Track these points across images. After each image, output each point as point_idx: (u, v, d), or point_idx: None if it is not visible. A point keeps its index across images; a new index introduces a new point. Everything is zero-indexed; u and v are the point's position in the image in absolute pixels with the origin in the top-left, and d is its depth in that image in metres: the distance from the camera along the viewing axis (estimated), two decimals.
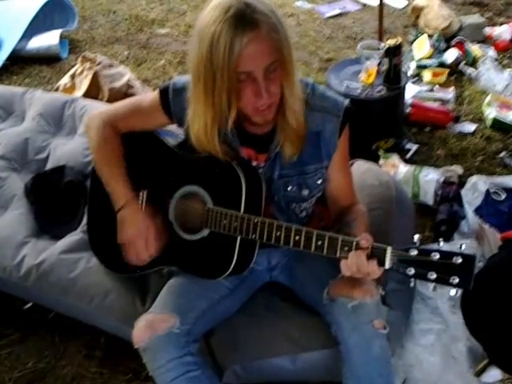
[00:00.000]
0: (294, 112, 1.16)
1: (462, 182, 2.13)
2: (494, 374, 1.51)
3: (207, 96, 1.12)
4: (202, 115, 1.16)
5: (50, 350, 1.66)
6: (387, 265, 1.07)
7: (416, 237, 1.08)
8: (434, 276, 1.02)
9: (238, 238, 1.23)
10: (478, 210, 1.97)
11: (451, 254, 1.01)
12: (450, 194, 2.06)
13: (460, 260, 1.00)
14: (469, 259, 1.00)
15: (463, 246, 1.04)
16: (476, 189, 2.05)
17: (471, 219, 1.93)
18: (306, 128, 1.21)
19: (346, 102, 1.25)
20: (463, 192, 2.05)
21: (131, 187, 1.32)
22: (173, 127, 1.39)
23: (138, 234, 1.28)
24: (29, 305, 1.71)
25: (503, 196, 2.03)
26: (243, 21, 1.03)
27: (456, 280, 1.01)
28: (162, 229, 1.32)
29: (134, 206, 1.31)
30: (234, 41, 1.03)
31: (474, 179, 2.09)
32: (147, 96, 1.37)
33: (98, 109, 1.45)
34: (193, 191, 1.29)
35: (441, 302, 1.67)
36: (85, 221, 1.67)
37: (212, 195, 1.26)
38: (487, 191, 2.03)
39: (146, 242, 1.28)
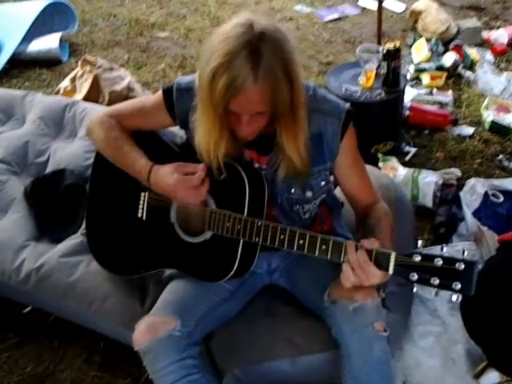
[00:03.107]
0: (296, 149, 1.18)
1: (460, 184, 2.14)
2: (493, 376, 1.51)
3: (205, 117, 1.15)
4: (205, 133, 1.18)
5: (49, 354, 1.66)
6: (391, 270, 1.08)
7: (419, 242, 1.09)
8: (436, 281, 1.03)
9: (241, 241, 1.23)
10: (477, 213, 1.98)
11: (454, 260, 1.03)
12: (448, 196, 2.07)
13: (462, 266, 1.02)
14: (471, 265, 1.02)
15: (465, 252, 1.05)
16: (474, 191, 2.06)
17: (470, 221, 1.93)
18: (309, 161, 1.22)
19: (347, 104, 1.27)
20: (462, 194, 2.06)
21: (148, 159, 1.29)
22: (173, 128, 1.39)
23: (180, 171, 1.24)
24: (28, 309, 1.71)
25: (501, 198, 2.03)
26: (246, 69, 1.03)
27: (458, 286, 1.02)
28: (163, 231, 1.32)
29: (159, 166, 1.27)
30: (232, 84, 1.05)
31: (472, 182, 2.09)
32: (150, 97, 1.38)
33: (99, 111, 1.45)
34: None
35: (440, 304, 1.67)
36: (84, 224, 1.68)
37: (215, 197, 1.26)
38: (485, 194, 2.04)
39: (193, 169, 1.24)
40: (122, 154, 1.32)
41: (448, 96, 2.69)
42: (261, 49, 1.04)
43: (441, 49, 3.04)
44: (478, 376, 1.52)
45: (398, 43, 2.24)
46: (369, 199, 1.34)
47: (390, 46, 2.21)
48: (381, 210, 1.31)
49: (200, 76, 1.11)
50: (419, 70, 2.89)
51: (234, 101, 1.07)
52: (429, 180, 2.10)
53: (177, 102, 1.29)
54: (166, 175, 1.24)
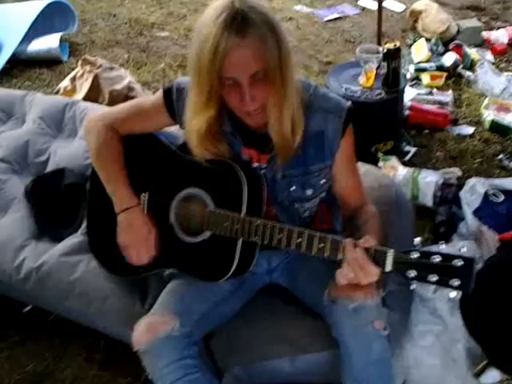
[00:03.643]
0: (276, 124, 1.16)
1: (460, 183, 2.14)
2: (493, 375, 1.52)
3: (197, 98, 1.14)
4: (197, 121, 1.18)
5: (49, 353, 1.66)
6: (388, 267, 1.08)
7: (417, 240, 1.09)
8: (434, 278, 1.03)
9: (240, 241, 1.23)
10: (477, 212, 1.98)
11: (452, 257, 1.02)
12: (448, 195, 2.07)
13: (460, 263, 1.01)
14: (469, 262, 1.01)
15: (463, 249, 1.05)
16: (474, 191, 2.06)
17: (470, 221, 1.94)
18: (307, 130, 1.21)
19: (348, 103, 1.27)
20: (462, 194, 2.06)
21: (132, 191, 1.33)
22: (173, 128, 1.39)
23: (139, 239, 1.30)
24: (28, 307, 1.71)
25: (501, 198, 2.04)
26: (231, 26, 1.05)
27: (456, 282, 1.02)
28: (163, 232, 1.32)
29: (136, 210, 1.32)
30: (219, 44, 1.05)
31: (472, 181, 2.10)
32: (149, 97, 1.38)
33: (98, 112, 1.45)
34: (194, 194, 1.29)
35: (440, 303, 1.67)
36: (85, 223, 1.68)
37: (213, 197, 1.26)
38: (485, 193, 2.04)
39: (146, 245, 1.30)
40: (106, 174, 1.35)
41: (448, 96, 2.69)
42: (241, 7, 1.06)
43: (441, 49, 3.04)
44: (478, 375, 1.52)
45: (398, 43, 2.24)
46: (358, 201, 1.34)
47: (390, 45, 2.21)
48: (369, 213, 1.31)
49: (190, 60, 1.12)
50: (419, 70, 2.90)
51: (225, 65, 1.06)
52: (429, 179, 2.11)
53: (177, 101, 1.29)
54: (133, 227, 1.31)
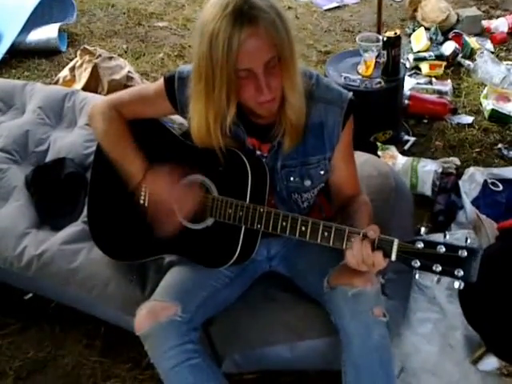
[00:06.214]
0: (294, 106, 1.16)
1: (459, 173, 2.15)
2: (491, 361, 1.52)
3: (209, 93, 1.12)
4: (204, 112, 1.17)
5: (50, 340, 1.67)
6: (393, 257, 1.08)
7: (422, 229, 1.09)
8: (439, 268, 1.03)
9: (243, 228, 1.23)
10: (476, 201, 1.99)
11: (457, 248, 1.02)
12: (447, 184, 2.07)
13: (465, 253, 1.01)
14: (474, 253, 1.02)
15: (469, 240, 1.05)
16: (473, 180, 2.07)
17: (469, 210, 1.94)
18: (307, 120, 1.22)
19: (350, 94, 1.26)
20: (461, 183, 2.06)
21: (145, 159, 1.30)
22: (174, 116, 1.39)
23: (172, 189, 1.25)
24: (29, 295, 1.73)
25: (500, 187, 2.04)
26: (241, 17, 1.04)
27: (461, 273, 1.02)
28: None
29: (153, 174, 1.28)
30: (232, 38, 1.04)
31: (471, 170, 2.10)
32: (151, 84, 1.38)
33: (99, 99, 1.45)
34: (197, 180, 1.29)
35: (438, 291, 1.68)
36: (85, 212, 1.68)
37: (217, 184, 1.26)
38: (484, 182, 2.05)
39: (184, 191, 1.26)
40: (119, 150, 1.33)
41: (447, 85, 2.69)
42: None
43: (440, 38, 3.03)
44: (476, 362, 1.53)
45: (398, 32, 2.23)
46: (353, 191, 1.34)
47: (390, 34, 2.21)
48: (361, 201, 1.32)
49: (198, 52, 1.10)
50: (418, 59, 2.89)
51: (241, 55, 1.05)
52: (428, 169, 2.11)
53: (178, 90, 1.28)
54: (161, 178, 1.26)
